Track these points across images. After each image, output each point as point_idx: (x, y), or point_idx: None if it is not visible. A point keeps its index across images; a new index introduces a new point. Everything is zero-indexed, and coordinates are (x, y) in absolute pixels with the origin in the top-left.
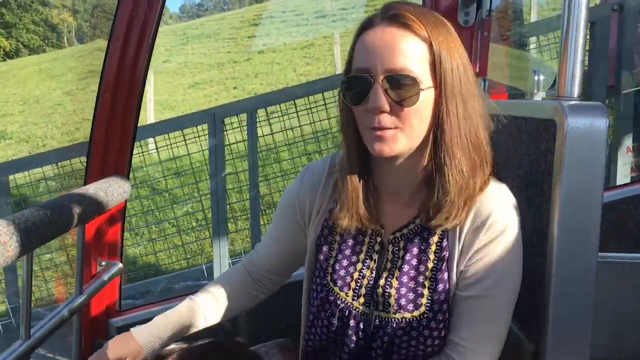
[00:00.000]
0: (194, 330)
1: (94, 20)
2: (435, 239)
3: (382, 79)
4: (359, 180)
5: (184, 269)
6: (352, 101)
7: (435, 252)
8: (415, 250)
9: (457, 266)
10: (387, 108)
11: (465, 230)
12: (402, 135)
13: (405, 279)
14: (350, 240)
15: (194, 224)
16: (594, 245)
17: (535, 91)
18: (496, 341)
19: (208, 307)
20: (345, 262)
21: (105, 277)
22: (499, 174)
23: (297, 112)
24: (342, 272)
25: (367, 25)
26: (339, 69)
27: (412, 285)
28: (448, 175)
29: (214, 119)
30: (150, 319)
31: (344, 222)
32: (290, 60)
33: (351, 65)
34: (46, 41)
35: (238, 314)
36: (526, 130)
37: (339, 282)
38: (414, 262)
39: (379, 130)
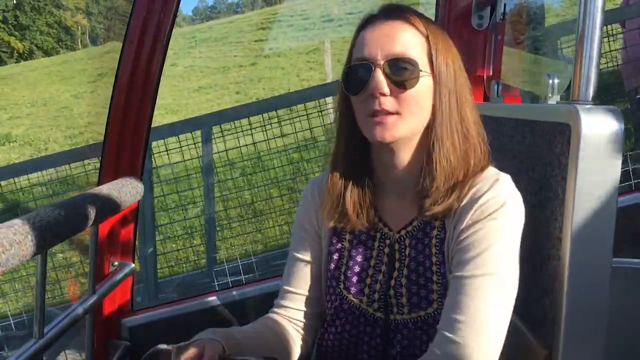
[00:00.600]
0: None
1: (107, 23)
2: (435, 232)
3: (382, 63)
4: (354, 177)
5: (193, 270)
6: (353, 90)
7: (436, 245)
8: (419, 247)
9: (448, 250)
10: (388, 91)
11: (456, 215)
12: (402, 121)
13: (413, 276)
14: (361, 246)
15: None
16: (608, 250)
17: (550, 95)
18: (492, 326)
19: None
20: (357, 269)
21: (118, 277)
22: (502, 169)
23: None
24: (354, 279)
25: (366, 22)
26: (330, 77)
27: (421, 282)
28: (435, 162)
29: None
30: (162, 320)
31: (329, 222)
32: (294, 64)
33: (351, 58)
34: (60, 43)
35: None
36: (540, 134)
37: (352, 289)
38: (420, 257)
39: (380, 115)
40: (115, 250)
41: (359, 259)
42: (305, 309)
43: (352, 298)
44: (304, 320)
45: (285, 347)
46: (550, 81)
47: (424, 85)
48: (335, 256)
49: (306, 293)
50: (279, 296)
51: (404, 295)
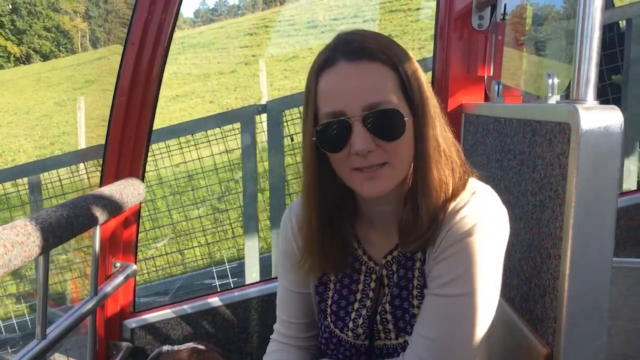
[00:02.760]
0: None
1: (108, 26)
2: (418, 255)
3: (361, 117)
4: (335, 221)
5: (196, 270)
6: (330, 148)
7: (419, 269)
8: (401, 272)
9: (428, 269)
10: (374, 146)
11: (438, 240)
12: (392, 170)
13: (397, 301)
14: (346, 280)
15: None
16: (609, 249)
17: (550, 94)
18: (462, 347)
19: None
20: (343, 303)
21: (120, 278)
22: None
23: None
24: (341, 313)
25: (325, 64)
26: (266, 97)
27: (405, 306)
28: (420, 203)
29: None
30: (164, 321)
31: (314, 271)
32: (271, 72)
33: (317, 112)
34: (59, 47)
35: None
36: (540, 133)
37: (339, 324)
38: (403, 282)
39: (369, 170)
40: (117, 252)
41: (344, 292)
42: (304, 335)
43: (338, 332)
44: (307, 343)
45: None
46: (550, 81)
47: (408, 127)
48: (321, 289)
49: (301, 320)
50: (277, 322)
51: (389, 321)
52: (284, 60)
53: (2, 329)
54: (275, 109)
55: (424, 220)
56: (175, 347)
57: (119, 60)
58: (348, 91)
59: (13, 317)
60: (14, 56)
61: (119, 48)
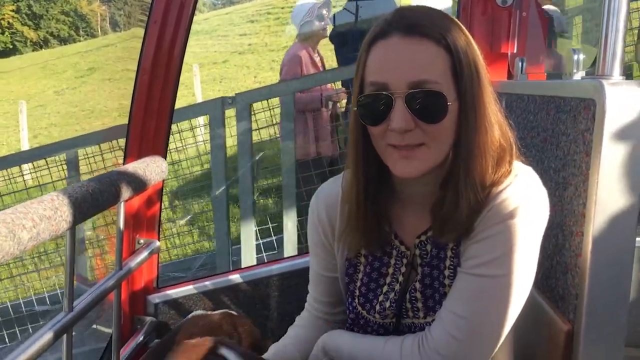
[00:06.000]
0: None
1: (128, 9)
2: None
3: (404, 95)
4: (370, 198)
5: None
6: (370, 120)
7: (452, 249)
8: (434, 251)
9: (463, 248)
10: (413, 126)
11: (476, 221)
12: (429, 152)
13: (427, 280)
14: (377, 262)
15: None
16: (632, 227)
17: (575, 70)
18: (491, 328)
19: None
20: (372, 285)
21: (144, 254)
22: (525, 152)
23: None
24: (370, 296)
25: (379, 35)
26: (200, 97)
27: (435, 285)
28: (460, 193)
29: None
30: (186, 297)
31: (354, 247)
32: (259, 63)
33: (364, 80)
34: (77, 31)
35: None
36: (565, 109)
37: (367, 306)
38: (435, 262)
39: (404, 149)
40: (141, 228)
41: (374, 275)
42: (332, 311)
43: (365, 314)
44: (334, 317)
45: None
46: (575, 57)
47: (451, 111)
48: (351, 270)
49: (328, 299)
50: (309, 295)
51: (419, 300)
52: (276, 50)
53: (35, 302)
54: (244, 102)
55: (464, 211)
56: (208, 312)
57: (125, 46)
58: (395, 65)
59: (45, 291)
60: (30, 41)
61: (128, 34)
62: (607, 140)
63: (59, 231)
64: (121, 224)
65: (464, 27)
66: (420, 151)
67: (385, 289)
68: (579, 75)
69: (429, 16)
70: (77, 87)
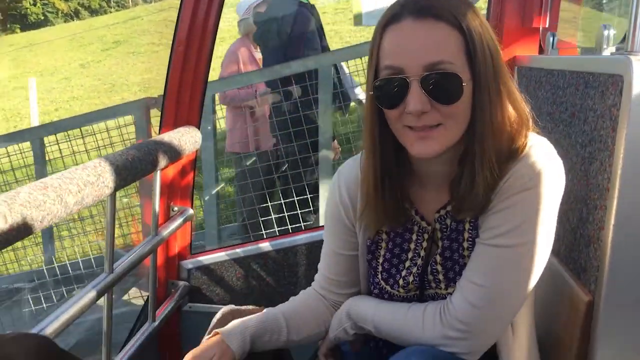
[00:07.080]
0: (278, 342)
1: None
2: None
3: (419, 77)
4: (389, 176)
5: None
6: (386, 104)
7: (470, 222)
8: (453, 225)
9: (481, 222)
10: (429, 107)
11: (494, 194)
12: (445, 132)
13: (447, 253)
14: (398, 239)
15: None
16: None
17: (605, 46)
18: (510, 297)
19: (292, 328)
20: (395, 261)
21: (178, 221)
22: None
23: None
24: (392, 271)
25: (392, 19)
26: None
27: (455, 257)
28: (476, 171)
29: None
30: (218, 263)
31: (376, 225)
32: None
33: (378, 64)
34: (108, 2)
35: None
36: (593, 85)
37: (390, 281)
38: (454, 235)
39: (421, 130)
40: (175, 196)
41: (396, 251)
42: (339, 292)
43: (389, 289)
44: (339, 299)
45: (321, 325)
46: (606, 32)
47: (466, 92)
48: (373, 247)
49: (340, 278)
50: (318, 274)
51: (439, 272)
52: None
53: (81, 265)
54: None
55: (481, 187)
56: (240, 307)
57: (152, 19)
58: (409, 49)
59: (91, 254)
60: (62, 12)
61: (155, 7)
62: (634, 116)
63: (102, 196)
64: (157, 192)
65: (476, 8)
66: (437, 131)
67: (407, 264)
68: (608, 51)
69: None
70: (102, 60)
